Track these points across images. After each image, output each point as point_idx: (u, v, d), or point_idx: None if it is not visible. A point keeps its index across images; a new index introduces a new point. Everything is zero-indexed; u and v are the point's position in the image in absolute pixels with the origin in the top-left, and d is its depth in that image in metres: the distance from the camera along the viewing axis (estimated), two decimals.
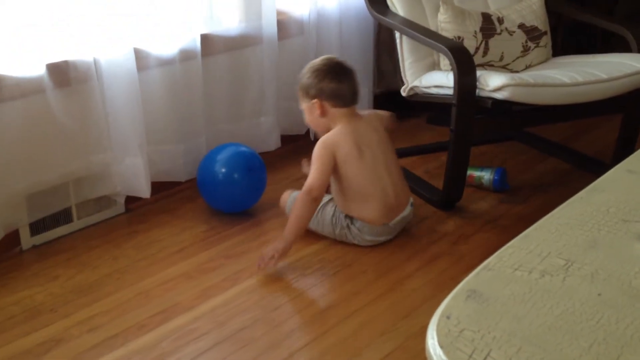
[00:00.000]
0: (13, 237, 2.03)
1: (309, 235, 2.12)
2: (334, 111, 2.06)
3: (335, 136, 2.04)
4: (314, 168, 2.02)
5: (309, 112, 2.10)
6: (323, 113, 2.06)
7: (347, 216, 2.08)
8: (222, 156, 2.21)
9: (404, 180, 2.16)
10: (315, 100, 2.05)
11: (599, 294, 0.80)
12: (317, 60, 2.10)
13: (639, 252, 0.89)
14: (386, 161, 2.09)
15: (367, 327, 1.70)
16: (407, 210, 2.12)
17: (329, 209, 2.10)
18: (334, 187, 2.11)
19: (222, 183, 2.19)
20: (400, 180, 2.13)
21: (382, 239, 2.09)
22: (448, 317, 0.75)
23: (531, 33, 2.52)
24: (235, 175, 2.19)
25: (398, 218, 2.09)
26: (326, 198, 2.13)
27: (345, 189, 2.06)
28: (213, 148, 2.28)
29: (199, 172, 2.25)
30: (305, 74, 2.08)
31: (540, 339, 0.72)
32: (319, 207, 2.07)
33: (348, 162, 2.02)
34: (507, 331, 0.73)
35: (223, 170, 2.18)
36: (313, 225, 2.11)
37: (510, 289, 0.81)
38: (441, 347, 0.71)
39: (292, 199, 2.16)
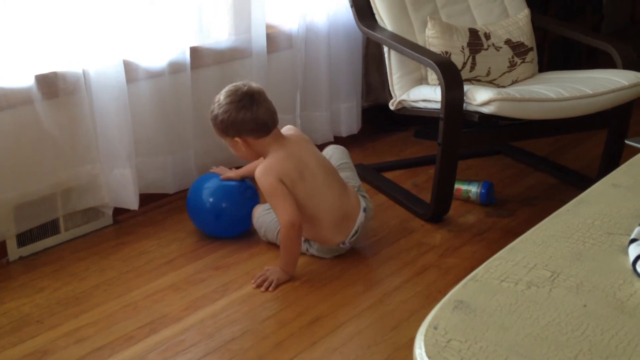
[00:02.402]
0: (0, 248, 2.02)
1: None
2: (259, 142, 1.96)
3: (272, 163, 1.95)
4: (276, 203, 1.93)
5: (234, 147, 2.00)
6: (248, 148, 1.97)
7: (305, 241, 2.06)
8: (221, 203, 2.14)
9: (349, 189, 2.07)
10: (236, 139, 1.95)
11: (584, 305, 0.81)
12: (223, 95, 1.94)
13: (624, 265, 0.90)
14: (326, 176, 2.01)
15: (356, 339, 1.71)
16: (360, 218, 2.04)
17: None
18: None
19: (212, 220, 2.17)
20: (344, 191, 2.05)
21: (344, 252, 2.09)
22: (435, 328, 0.76)
23: (518, 49, 2.55)
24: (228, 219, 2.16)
25: (353, 231, 2.03)
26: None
27: None
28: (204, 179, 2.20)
29: (190, 199, 2.20)
30: (217, 111, 1.93)
31: (527, 349, 0.73)
32: (278, 229, 2.03)
33: (289, 186, 1.94)
34: (494, 341, 0.73)
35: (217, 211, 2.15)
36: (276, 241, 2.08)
37: (497, 299, 0.81)
38: (429, 357, 0.71)
39: (258, 214, 2.14)
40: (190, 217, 2.21)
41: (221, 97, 1.95)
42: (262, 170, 1.94)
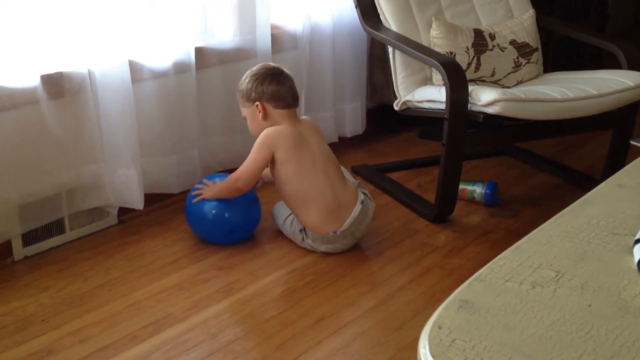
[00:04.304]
0: (5, 248, 2.03)
1: (301, 247, 2.13)
2: (276, 113, 2.10)
3: (279, 130, 2.06)
4: (249, 157, 2.07)
5: (251, 117, 2.13)
6: (265, 115, 2.10)
7: (301, 230, 2.10)
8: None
9: (348, 182, 2.14)
10: (257, 103, 2.09)
11: (589, 305, 0.80)
12: (255, 67, 2.14)
13: (628, 265, 0.90)
14: (325, 164, 2.10)
15: (359, 339, 1.71)
16: (357, 209, 2.07)
17: (289, 219, 2.14)
18: (280, 192, 2.13)
19: (213, 230, 2.16)
20: (341, 182, 2.11)
21: (339, 245, 2.09)
22: (440, 327, 0.76)
23: (522, 49, 2.55)
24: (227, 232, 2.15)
25: (347, 223, 2.06)
26: (288, 210, 2.15)
27: (285, 194, 2.10)
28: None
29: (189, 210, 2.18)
30: (245, 80, 2.12)
31: (531, 349, 0.72)
32: (284, 217, 2.15)
33: (286, 161, 2.05)
34: (498, 341, 0.73)
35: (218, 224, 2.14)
36: (285, 234, 2.18)
37: (501, 299, 0.81)
38: (433, 356, 0.71)
39: (275, 208, 2.24)
40: (193, 227, 2.20)
41: (254, 67, 2.14)
42: (264, 132, 2.07)
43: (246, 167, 2.07)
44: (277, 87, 2.08)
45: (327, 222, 2.06)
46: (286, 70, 2.14)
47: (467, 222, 2.35)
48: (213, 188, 2.10)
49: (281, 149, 2.05)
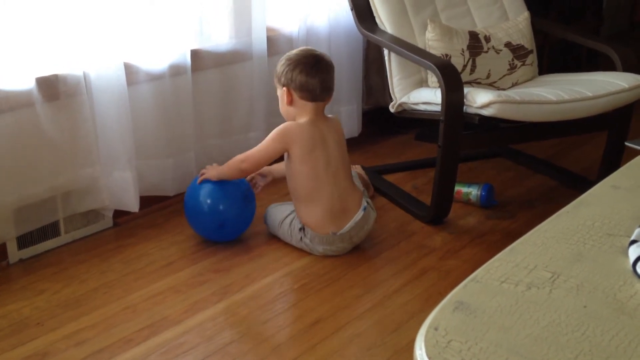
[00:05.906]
0: (0, 251, 2.02)
1: (297, 249, 2.13)
2: (301, 103, 2.08)
3: (299, 128, 2.06)
4: (262, 143, 2.08)
5: (281, 99, 2.12)
6: (290, 102, 2.09)
7: (301, 229, 2.10)
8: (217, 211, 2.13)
9: (356, 189, 2.15)
10: (284, 88, 2.08)
11: (585, 306, 0.81)
12: (295, 50, 2.13)
13: (624, 266, 0.90)
14: (337, 168, 2.09)
15: (355, 342, 1.70)
16: (359, 214, 2.09)
17: (289, 219, 2.14)
18: (288, 185, 2.14)
19: (211, 226, 2.16)
20: (350, 188, 2.12)
21: (335, 248, 2.09)
22: (436, 329, 0.76)
23: (518, 51, 2.55)
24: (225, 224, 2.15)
25: (348, 226, 2.07)
26: (288, 210, 2.16)
27: (294, 186, 2.11)
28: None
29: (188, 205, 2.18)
30: (281, 61, 2.10)
31: (527, 349, 0.72)
32: (282, 217, 2.14)
33: (300, 160, 2.05)
34: (494, 342, 0.73)
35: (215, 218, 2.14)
36: (281, 236, 2.16)
37: (497, 300, 0.81)
38: (429, 358, 0.71)
39: (270, 208, 2.24)
40: (191, 222, 2.20)
41: (295, 50, 2.13)
42: (283, 127, 2.07)
43: (255, 152, 2.08)
44: (305, 79, 2.04)
45: (328, 223, 2.07)
46: (327, 59, 2.11)
47: (463, 224, 2.36)
48: (216, 168, 2.12)
49: (297, 148, 2.05)
